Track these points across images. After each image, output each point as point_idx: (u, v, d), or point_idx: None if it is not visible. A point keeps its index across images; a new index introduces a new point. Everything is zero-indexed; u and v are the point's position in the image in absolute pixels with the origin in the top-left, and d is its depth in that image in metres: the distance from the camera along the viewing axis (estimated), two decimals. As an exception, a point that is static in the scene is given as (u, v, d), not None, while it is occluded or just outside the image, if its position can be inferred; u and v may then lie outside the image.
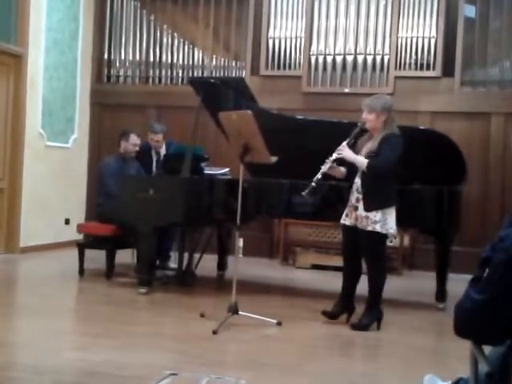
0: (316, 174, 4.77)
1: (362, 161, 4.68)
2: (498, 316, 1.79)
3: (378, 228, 4.63)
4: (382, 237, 4.71)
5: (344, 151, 4.73)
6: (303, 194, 4.76)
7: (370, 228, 4.65)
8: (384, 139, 4.69)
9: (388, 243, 5.38)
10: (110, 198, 6.32)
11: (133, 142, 6.74)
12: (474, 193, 7.58)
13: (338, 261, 5.08)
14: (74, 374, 3.56)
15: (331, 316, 4.92)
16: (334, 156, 4.77)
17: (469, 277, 1.96)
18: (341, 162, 4.85)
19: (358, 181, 4.78)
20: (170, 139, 6.93)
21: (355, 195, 4.78)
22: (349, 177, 4.88)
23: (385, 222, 4.64)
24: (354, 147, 4.82)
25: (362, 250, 4.83)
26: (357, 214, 4.74)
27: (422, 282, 6.89)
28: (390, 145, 4.65)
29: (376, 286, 4.81)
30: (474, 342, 1.95)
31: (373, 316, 4.81)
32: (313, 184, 4.74)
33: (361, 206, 4.71)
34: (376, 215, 4.63)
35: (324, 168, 4.78)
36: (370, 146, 4.75)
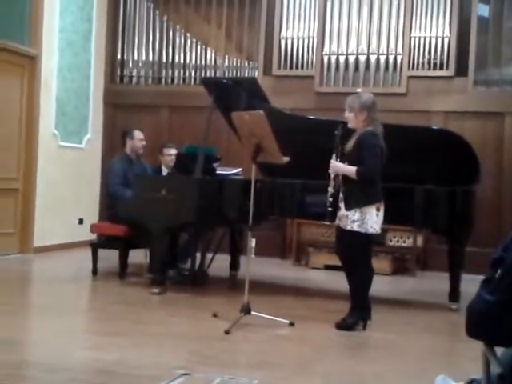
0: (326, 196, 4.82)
1: (350, 170, 4.67)
2: (510, 317, 1.78)
3: (355, 227, 4.62)
4: (360, 236, 4.65)
5: (334, 167, 4.77)
6: (327, 223, 4.84)
7: (348, 227, 4.65)
8: (358, 140, 4.69)
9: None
10: (113, 198, 6.35)
11: (138, 137, 6.75)
12: (487, 193, 7.54)
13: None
14: (87, 373, 3.58)
15: None
16: (332, 175, 4.81)
17: (483, 277, 1.95)
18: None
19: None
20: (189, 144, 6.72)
21: (340, 196, 4.80)
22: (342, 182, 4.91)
23: (363, 221, 4.61)
24: (343, 151, 4.84)
25: (342, 249, 4.85)
26: (340, 214, 4.76)
27: (435, 283, 6.86)
28: (367, 148, 4.64)
29: (356, 288, 4.77)
30: (485, 343, 1.94)
31: (356, 316, 4.76)
32: (329, 209, 4.77)
33: (343, 205, 4.73)
34: (354, 214, 4.62)
35: (330, 189, 4.81)
36: (348, 145, 4.78)
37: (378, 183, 4.73)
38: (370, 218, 4.63)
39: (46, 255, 7.77)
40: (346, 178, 4.74)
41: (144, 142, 6.81)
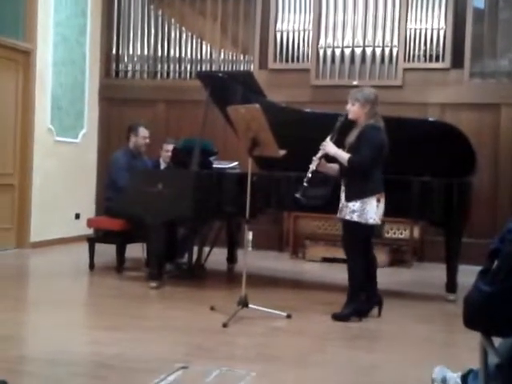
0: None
1: (342, 156, 4.71)
2: (507, 308, 1.79)
3: (355, 217, 4.65)
4: (360, 227, 4.68)
5: (326, 146, 4.76)
6: (297, 195, 4.75)
7: (348, 217, 4.69)
8: (362, 132, 4.72)
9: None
10: (121, 191, 6.32)
11: (143, 134, 6.74)
12: (484, 184, 7.56)
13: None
14: (86, 367, 3.59)
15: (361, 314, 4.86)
16: (320, 153, 4.80)
17: (479, 268, 1.95)
18: (331, 158, 4.86)
19: None
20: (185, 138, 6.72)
21: (342, 188, 4.82)
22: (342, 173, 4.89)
23: (363, 211, 4.64)
24: (342, 140, 4.82)
25: (343, 239, 4.92)
26: (340, 206, 4.79)
27: (432, 274, 6.87)
28: (367, 140, 4.67)
29: (352, 278, 4.80)
30: (483, 334, 1.95)
31: (351, 307, 4.78)
32: (305, 184, 4.74)
33: (343, 196, 4.76)
34: (355, 205, 4.65)
35: (312, 166, 4.79)
36: (350, 137, 4.79)
37: (377, 174, 4.75)
38: (370, 208, 4.66)
39: (43, 250, 7.77)
40: (345, 169, 4.75)
41: (147, 140, 6.78)
